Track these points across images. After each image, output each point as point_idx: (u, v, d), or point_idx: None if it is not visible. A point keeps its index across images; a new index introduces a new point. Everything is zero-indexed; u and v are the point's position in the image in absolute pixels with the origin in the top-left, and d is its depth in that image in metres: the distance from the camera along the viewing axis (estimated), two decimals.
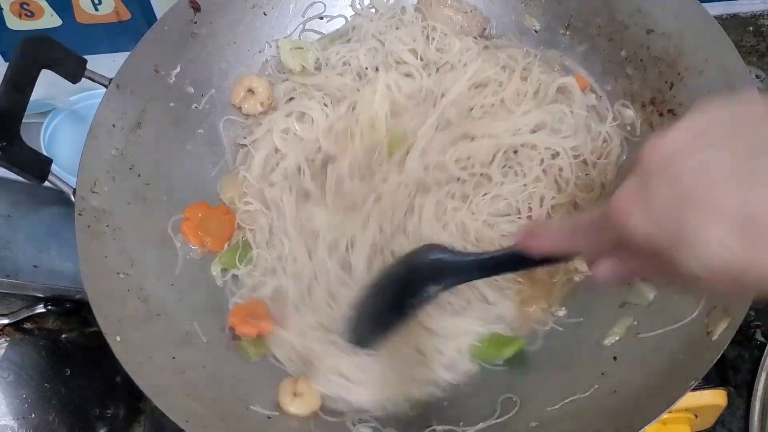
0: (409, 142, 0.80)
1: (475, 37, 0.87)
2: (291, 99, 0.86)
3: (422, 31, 0.86)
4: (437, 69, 0.85)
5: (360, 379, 0.72)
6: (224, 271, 0.79)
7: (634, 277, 0.46)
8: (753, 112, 0.39)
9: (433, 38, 0.85)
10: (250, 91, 0.86)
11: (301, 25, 0.89)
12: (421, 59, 0.85)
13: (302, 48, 0.87)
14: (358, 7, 0.91)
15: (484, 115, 0.81)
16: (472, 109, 0.82)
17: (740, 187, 0.35)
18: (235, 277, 0.79)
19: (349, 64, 0.86)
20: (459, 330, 0.73)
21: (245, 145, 0.86)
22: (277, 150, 0.84)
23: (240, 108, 0.86)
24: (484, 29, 0.88)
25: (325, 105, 0.84)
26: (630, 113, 0.82)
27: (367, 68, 0.85)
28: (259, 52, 0.88)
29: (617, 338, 0.72)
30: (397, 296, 0.62)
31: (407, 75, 0.85)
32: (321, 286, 0.76)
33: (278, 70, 0.88)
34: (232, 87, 0.86)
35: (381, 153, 0.80)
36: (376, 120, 0.81)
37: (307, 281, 0.76)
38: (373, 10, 0.90)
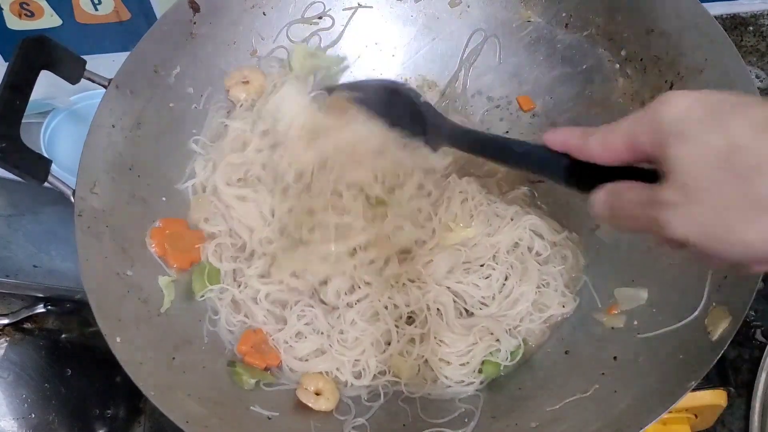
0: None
1: None
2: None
3: None
4: None
5: None
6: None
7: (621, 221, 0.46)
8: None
9: None
10: (245, 81, 0.85)
11: (300, 25, 0.89)
12: None
13: (317, 57, 0.88)
14: None
15: None
16: None
17: None
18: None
19: None
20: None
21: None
22: None
23: (228, 91, 0.86)
24: None
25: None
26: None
27: None
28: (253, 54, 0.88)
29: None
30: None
31: None
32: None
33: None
34: (231, 72, 0.86)
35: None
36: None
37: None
38: None
